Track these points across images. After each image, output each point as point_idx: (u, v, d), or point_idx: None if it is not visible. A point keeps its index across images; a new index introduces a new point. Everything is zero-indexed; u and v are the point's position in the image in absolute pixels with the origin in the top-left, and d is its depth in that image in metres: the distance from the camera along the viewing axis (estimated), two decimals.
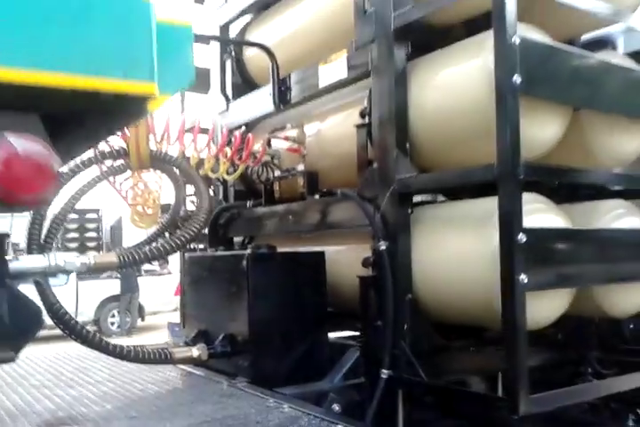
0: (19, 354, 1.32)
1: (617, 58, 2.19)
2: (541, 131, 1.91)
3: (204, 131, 2.90)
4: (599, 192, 2.25)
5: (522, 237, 1.70)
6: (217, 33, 3.18)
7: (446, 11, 2.00)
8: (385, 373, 2.05)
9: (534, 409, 1.72)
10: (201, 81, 3.15)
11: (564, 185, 2.19)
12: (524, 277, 1.69)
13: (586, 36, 2.36)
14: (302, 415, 1.72)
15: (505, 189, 1.73)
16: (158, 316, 11.62)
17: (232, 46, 3.09)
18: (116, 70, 0.87)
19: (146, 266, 12.46)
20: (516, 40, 1.70)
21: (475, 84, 1.87)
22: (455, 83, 1.96)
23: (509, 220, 1.72)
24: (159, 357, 2.13)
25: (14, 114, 0.93)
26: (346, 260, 2.42)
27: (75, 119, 1.05)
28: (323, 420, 1.70)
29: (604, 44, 2.34)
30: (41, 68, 0.85)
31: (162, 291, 11.72)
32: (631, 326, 2.41)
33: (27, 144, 0.88)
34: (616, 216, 2.18)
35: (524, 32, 1.80)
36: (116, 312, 11.53)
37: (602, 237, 2.02)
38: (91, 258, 1.76)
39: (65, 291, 8.80)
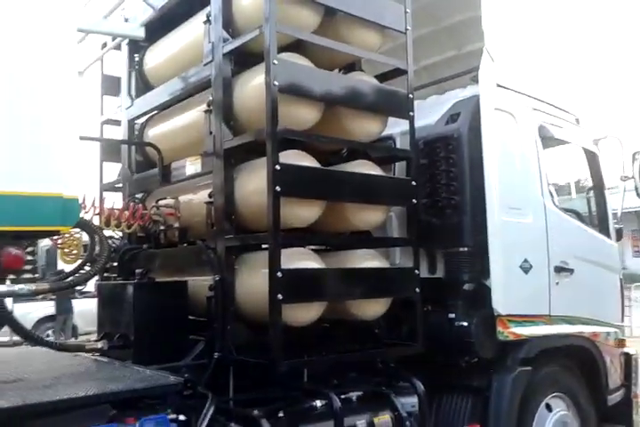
0: None
1: (361, 165, 3.65)
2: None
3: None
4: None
5: (280, 274, 3.09)
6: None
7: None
8: (216, 354, 3.38)
9: (287, 368, 3.10)
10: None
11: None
12: (280, 296, 3.08)
13: None
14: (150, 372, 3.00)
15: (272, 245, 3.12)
16: (91, 335, 12.51)
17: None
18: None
19: (81, 288, 13.42)
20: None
21: (262, 183, 3.23)
22: (254, 181, 3.35)
23: (272, 261, 3.11)
24: (77, 347, 3.41)
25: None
26: (202, 285, 3.76)
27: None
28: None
29: None
30: None
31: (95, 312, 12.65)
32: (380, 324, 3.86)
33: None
34: (362, 259, 3.64)
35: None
36: (50, 332, 12.40)
37: (335, 273, 3.42)
38: (31, 286, 3.05)
39: None
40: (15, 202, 2.02)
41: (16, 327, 3.21)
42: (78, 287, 12.76)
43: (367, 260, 3.65)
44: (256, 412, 3.12)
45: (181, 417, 2.79)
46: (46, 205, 2.08)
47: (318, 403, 3.32)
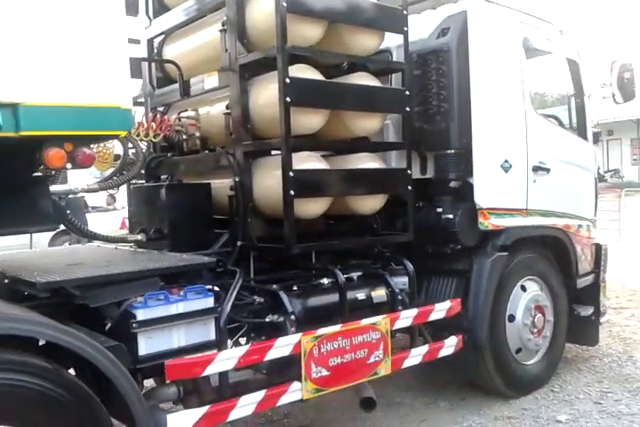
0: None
1: (360, 77, 4.10)
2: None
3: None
4: None
5: (292, 174, 3.65)
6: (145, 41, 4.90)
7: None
8: (239, 243, 4.01)
9: (299, 251, 3.75)
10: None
11: None
12: (292, 192, 3.65)
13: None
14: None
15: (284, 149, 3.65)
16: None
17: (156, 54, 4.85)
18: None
19: (93, 203, 14.20)
20: (287, 80, 3.58)
21: (274, 95, 3.72)
22: (266, 93, 3.83)
23: (284, 164, 3.66)
24: (121, 239, 4.05)
25: None
26: (223, 186, 4.32)
27: None
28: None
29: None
30: None
31: (108, 225, 13.42)
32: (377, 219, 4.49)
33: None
34: (361, 161, 4.18)
35: (297, 71, 3.68)
36: (67, 244, 13.20)
37: (338, 173, 3.99)
38: (84, 185, 3.63)
39: None
40: (84, 111, 2.55)
41: (69, 223, 3.81)
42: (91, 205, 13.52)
43: (366, 162, 4.19)
44: (275, 286, 3.80)
45: (216, 288, 3.47)
46: (108, 114, 2.61)
47: (326, 280, 3.99)
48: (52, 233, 13.53)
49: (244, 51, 3.90)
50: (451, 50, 4.30)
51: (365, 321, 3.82)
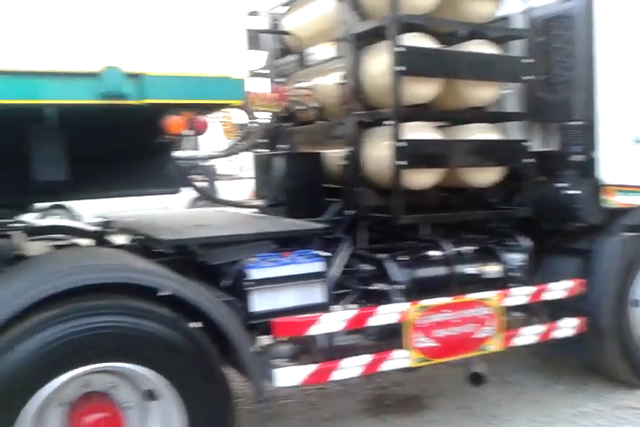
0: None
1: (477, 45, 3.98)
2: (421, 90, 3.77)
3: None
4: None
5: (401, 144, 3.66)
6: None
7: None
8: (349, 212, 4.11)
9: (407, 221, 3.76)
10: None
11: None
12: (401, 162, 3.67)
13: None
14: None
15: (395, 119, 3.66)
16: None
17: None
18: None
19: (223, 171, 15.06)
20: (399, 49, 3.56)
21: (386, 64, 3.72)
22: (379, 63, 3.84)
23: (395, 134, 3.67)
24: (242, 204, 4.31)
25: None
26: (337, 156, 4.42)
27: None
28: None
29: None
30: None
31: (237, 192, 14.09)
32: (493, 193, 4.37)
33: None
34: (476, 131, 4.08)
35: (411, 39, 3.65)
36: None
37: (450, 144, 3.92)
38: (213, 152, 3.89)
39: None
40: (201, 81, 2.75)
41: (195, 187, 4.10)
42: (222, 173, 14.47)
43: (481, 132, 4.09)
44: (383, 255, 3.86)
45: (325, 253, 3.59)
46: (222, 84, 2.79)
47: (435, 252, 3.99)
48: (190, 198, 14.60)
49: (359, 20, 3.92)
50: (576, 15, 4.04)
51: (474, 295, 3.79)
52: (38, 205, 3.84)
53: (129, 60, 2.58)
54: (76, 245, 4.24)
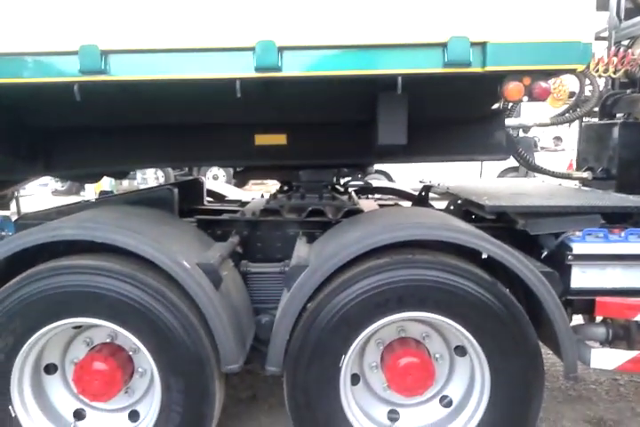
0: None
1: None
2: None
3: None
4: None
5: None
6: None
7: None
8: None
9: None
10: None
11: None
12: None
13: None
14: None
15: None
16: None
17: None
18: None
19: (542, 144, 14.42)
20: None
21: None
22: None
23: None
24: (566, 175, 4.12)
25: None
26: None
27: None
28: None
29: None
30: None
31: (554, 165, 13.41)
32: None
33: None
34: None
35: None
36: None
37: None
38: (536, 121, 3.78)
39: None
40: (544, 47, 2.67)
41: (519, 156, 4.02)
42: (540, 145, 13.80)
43: None
44: None
45: None
46: (567, 49, 2.67)
47: None
48: (502, 168, 14.40)
49: None
50: None
51: None
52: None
53: (472, 28, 2.64)
54: (399, 205, 4.60)
